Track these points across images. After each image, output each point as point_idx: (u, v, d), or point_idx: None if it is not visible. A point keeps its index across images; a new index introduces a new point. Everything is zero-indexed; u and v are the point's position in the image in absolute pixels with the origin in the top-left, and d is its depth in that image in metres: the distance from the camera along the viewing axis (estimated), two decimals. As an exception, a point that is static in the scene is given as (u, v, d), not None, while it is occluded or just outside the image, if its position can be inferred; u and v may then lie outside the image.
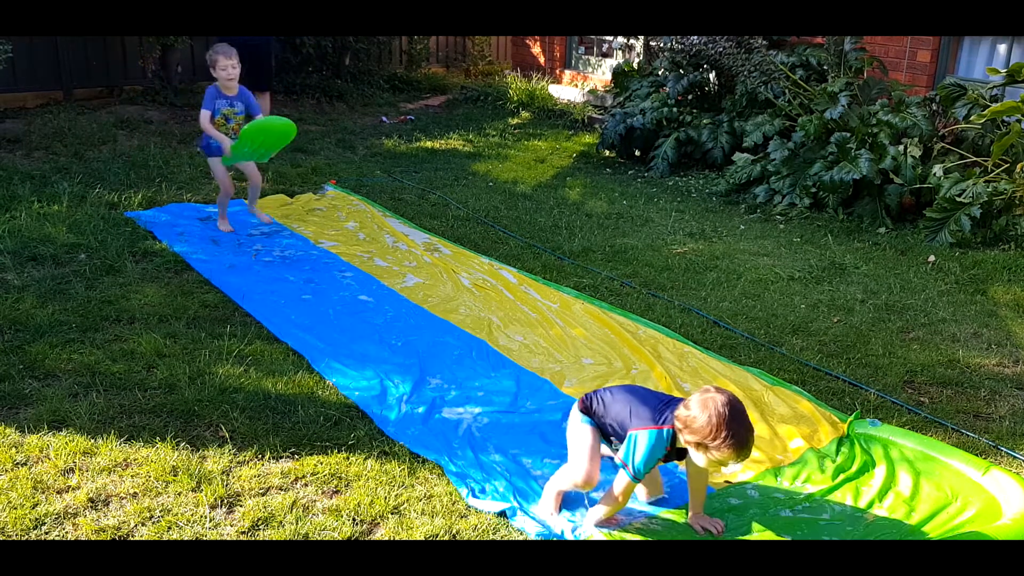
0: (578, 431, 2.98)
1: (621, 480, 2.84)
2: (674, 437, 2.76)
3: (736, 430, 2.59)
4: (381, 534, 2.84)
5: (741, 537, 2.89)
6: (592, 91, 10.64)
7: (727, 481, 3.18)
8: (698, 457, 2.71)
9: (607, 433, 2.95)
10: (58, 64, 8.71)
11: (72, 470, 3.06)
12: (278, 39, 10.09)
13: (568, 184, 7.53)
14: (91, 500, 2.90)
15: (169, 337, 4.10)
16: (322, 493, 3.02)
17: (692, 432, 2.65)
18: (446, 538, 2.82)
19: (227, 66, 5.33)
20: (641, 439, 2.78)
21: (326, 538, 2.79)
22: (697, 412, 2.64)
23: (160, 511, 2.87)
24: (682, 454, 2.83)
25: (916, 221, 6.29)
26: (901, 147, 6.41)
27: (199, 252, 5.26)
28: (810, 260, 5.64)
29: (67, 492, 2.94)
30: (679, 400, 2.82)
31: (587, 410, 2.98)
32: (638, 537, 2.85)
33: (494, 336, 4.34)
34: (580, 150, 8.88)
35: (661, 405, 2.85)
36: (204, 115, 5.38)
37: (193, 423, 3.40)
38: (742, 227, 6.42)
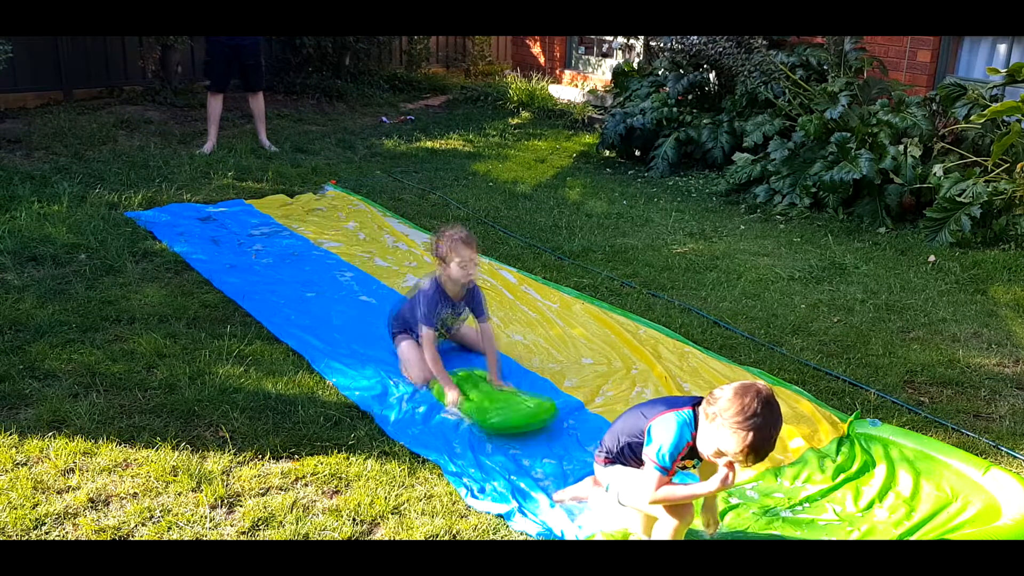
0: (621, 474, 2.73)
1: (647, 479, 2.55)
2: (695, 425, 2.54)
3: (761, 424, 2.38)
4: (381, 534, 2.84)
5: (741, 537, 2.89)
6: (592, 91, 10.64)
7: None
8: (705, 435, 2.49)
9: (629, 457, 2.72)
10: (58, 64, 8.70)
11: (72, 470, 3.06)
12: (279, 39, 10.11)
13: (568, 184, 7.53)
14: (91, 500, 2.90)
15: (169, 337, 4.10)
16: (322, 493, 3.02)
17: (716, 405, 2.44)
18: (446, 538, 2.82)
19: (469, 261, 3.70)
20: (663, 423, 2.56)
21: (326, 538, 2.79)
22: (733, 390, 2.44)
23: (160, 511, 2.87)
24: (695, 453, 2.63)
25: (916, 221, 6.29)
26: (901, 147, 6.41)
27: (199, 252, 5.25)
28: (810, 260, 5.64)
29: (67, 492, 2.94)
30: (691, 397, 2.67)
31: (613, 458, 2.76)
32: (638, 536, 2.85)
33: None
34: (580, 150, 8.88)
35: (671, 400, 2.73)
36: (428, 336, 3.74)
37: (193, 423, 3.40)
38: (742, 227, 6.42)
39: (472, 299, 3.87)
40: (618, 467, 2.77)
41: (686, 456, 2.61)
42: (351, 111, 10.02)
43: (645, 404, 2.80)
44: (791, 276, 5.33)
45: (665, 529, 2.65)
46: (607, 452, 2.79)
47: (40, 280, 4.68)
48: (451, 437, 3.40)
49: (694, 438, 2.56)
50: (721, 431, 2.43)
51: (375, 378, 3.80)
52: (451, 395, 3.61)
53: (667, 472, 2.57)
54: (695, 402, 2.60)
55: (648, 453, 2.59)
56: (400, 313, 4.00)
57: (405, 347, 3.90)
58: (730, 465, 2.50)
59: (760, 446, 2.42)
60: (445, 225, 3.83)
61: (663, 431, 2.57)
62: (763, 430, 2.40)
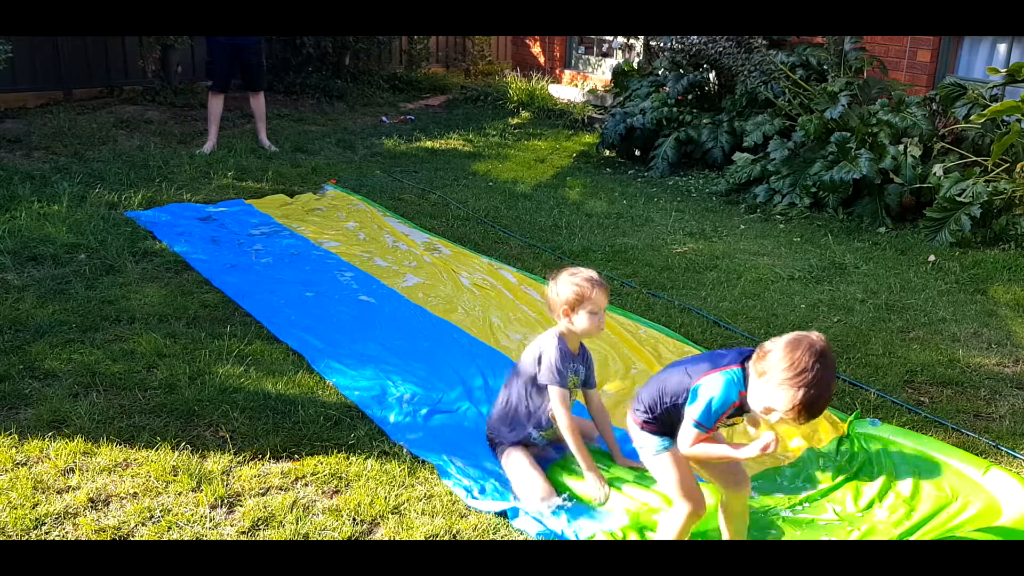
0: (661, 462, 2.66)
1: (686, 434, 2.47)
2: (745, 383, 2.42)
3: (813, 380, 2.22)
4: (381, 534, 2.84)
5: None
6: (592, 91, 10.64)
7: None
8: (756, 392, 2.36)
9: (676, 418, 2.58)
10: (58, 64, 8.70)
11: (72, 470, 3.06)
12: (279, 39, 10.11)
13: (568, 184, 7.53)
14: (91, 500, 2.90)
15: (169, 337, 4.10)
16: (322, 493, 3.02)
17: (767, 361, 2.30)
18: (446, 538, 2.82)
19: (601, 309, 3.02)
20: (711, 383, 2.45)
21: (326, 538, 2.79)
22: (784, 344, 2.29)
23: (160, 511, 2.87)
24: (742, 411, 2.50)
25: (916, 221, 6.29)
26: (901, 147, 6.41)
27: (199, 252, 5.25)
28: (810, 260, 5.64)
29: (67, 492, 2.94)
30: (740, 351, 2.51)
31: (654, 421, 2.62)
32: (638, 536, 2.85)
33: (494, 336, 4.34)
34: (580, 150, 8.88)
35: (716, 357, 2.58)
36: (562, 396, 3.04)
37: (193, 423, 3.40)
38: (742, 227, 6.42)
39: (586, 357, 3.20)
40: (654, 438, 2.68)
41: (732, 415, 2.52)
42: (351, 111, 10.02)
43: (689, 360, 2.68)
44: (791, 276, 5.34)
45: (677, 516, 2.64)
46: (647, 412, 2.66)
47: (40, 280, 4.68)
48: (451, 437, 3.40)
49: (742, 397, 2.44)
50: (771, 388, 2.30)
51: (375, 378, 3.80)
52: (596, 487, 2.99)
53: (707, 431, 2.50)
54: (744, 357, 2.46)
55: (691, 411, 2.51)
56: (506, 414, 3.17)
57: (516, 458, 3.10)
58: (775, 432, 2.40)
59: (812, 403, 2.27)
60: (564, 268, 3.10)
61: (710, 391, 2.47)
62: (816, 387, 2.24)
